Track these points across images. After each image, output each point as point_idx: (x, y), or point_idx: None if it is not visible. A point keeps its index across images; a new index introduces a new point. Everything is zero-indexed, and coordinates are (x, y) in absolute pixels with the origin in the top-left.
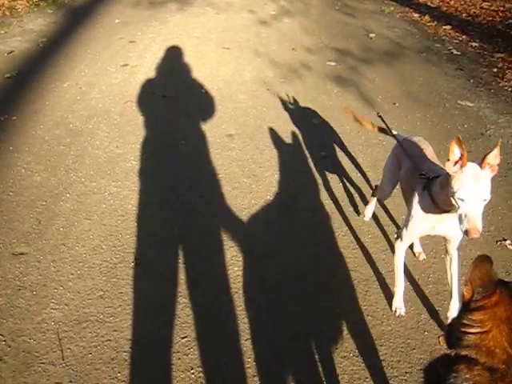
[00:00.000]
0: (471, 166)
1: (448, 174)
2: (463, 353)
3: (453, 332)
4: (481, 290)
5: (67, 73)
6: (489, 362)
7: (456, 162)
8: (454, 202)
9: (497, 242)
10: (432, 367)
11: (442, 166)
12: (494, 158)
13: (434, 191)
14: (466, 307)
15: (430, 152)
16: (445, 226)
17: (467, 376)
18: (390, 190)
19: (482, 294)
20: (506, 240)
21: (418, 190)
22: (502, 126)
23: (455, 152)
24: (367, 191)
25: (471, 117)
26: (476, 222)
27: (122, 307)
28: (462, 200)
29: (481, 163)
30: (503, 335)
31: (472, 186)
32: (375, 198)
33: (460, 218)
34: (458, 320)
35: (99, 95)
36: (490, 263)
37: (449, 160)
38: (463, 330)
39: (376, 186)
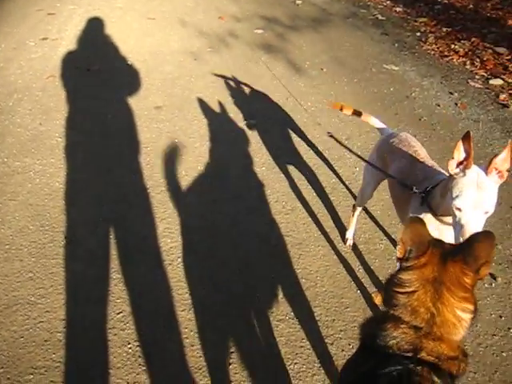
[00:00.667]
0: (475, 170)
1: (449, 176)
2: (391, 312)
3: (386, 291)
4: (412, 250)
5: None
6: (413, 321)
7: (460, 163)
8: (451, 209)
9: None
10: (367, 324)
11: (437, 166)
12: (502, 161)
13: (435, 203)
14: (401, 263)
15: (420, 150)
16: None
17: (394, 334)
18: (370, 193)
19: (413, 254)
20: None
21: (414, 205)
22: (425, 88)
23: (461, 151)
24: (297, 155)
25: (396, 80)
26: None
27: (53, 287)
28: (460, 210)
29: (486, 167)
30: (428, 295)
31: (473, 194)
32: (356, 213)
33: (455, 228)
34: (391, 279)
35: (18, 71)
36: (422, 224)
37: (453, 158)
38: (394, 289)
39: (354, 205)
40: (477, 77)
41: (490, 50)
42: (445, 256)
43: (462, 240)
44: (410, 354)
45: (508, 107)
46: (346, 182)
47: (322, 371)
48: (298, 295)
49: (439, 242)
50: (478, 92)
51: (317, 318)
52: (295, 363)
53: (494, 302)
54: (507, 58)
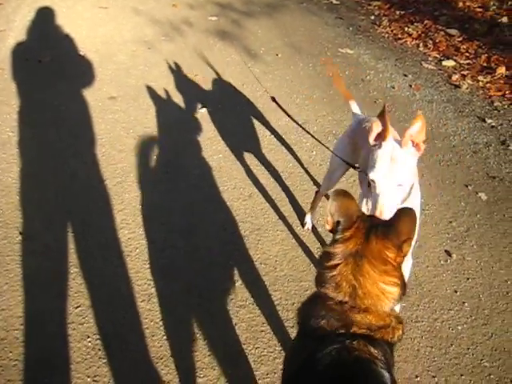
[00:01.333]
0: (391, 143)
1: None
2: (320, 290)
3: (318, 269)
4: (340, 222)
5: None
6: (337, 296)
7: (378, 136)
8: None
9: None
10: (302, 308)
11: None
12: (416, 133)
13: None
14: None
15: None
16: None
17: (323, 313)
18: (336, 179)
19: (340, 227)
20: None
21: (363, 188)
22: (380, 71)
23: (378, 124)
24: (254, 141)
25: (352, 63)
26: (383, 210)
27: (8, 285)
28: (373, 181)
29: (401, 140)
30: (349, 268)
31: (386, 165)
32: (318, 201)
33: (372, 200)
34: (321, 255)
35: None
36: (349, 198)
37: (372, 131)
38: (322, 264)
39: (317, 191)
40: (430, 58)
41: (442, 32)
42: (369, 230)
43: (374, 212)
44: (342, 331)
45: (460, 88)
46: (304, 166)
47: (283, 354)
48: (258, 280)
49: (369, 216)
50: (431, 73)
51: (276, 302)
52: (256, 347)
53: (450, 278)
54: (459, 39)
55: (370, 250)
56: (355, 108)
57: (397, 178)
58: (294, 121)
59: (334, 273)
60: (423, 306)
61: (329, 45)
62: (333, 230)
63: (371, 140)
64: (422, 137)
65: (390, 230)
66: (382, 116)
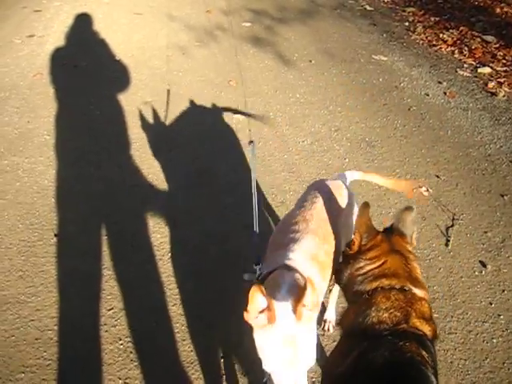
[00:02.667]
0: (281, 321)
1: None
2: (374, 285)
3: (348, 286)
4: (366, 234)
5: None
6: (398, 283)
7: (262, 312)
8: None
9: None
10: (346, 316)
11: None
12: (309, 300)
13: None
14: (357, 253)
15: (321, 207)
16: None
17: (386, 305)
18: None
19: (368, 237)
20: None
21: None
22: (414, 78)
23: (256, 301)
24: (286, 147)
25: (385, 70)
26: None
27: (43, 285)
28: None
29: (294, 311)
30: (397, 259)
31: (280, 353)
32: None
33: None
34: (351, 267)
35: (5, 69)
36: (369, 208)
37: (247, 311)
38: (363, 270)
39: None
40: (465, 65)
41: (479, 39)
42: (387, 234)
43: None
44: (402, 324)
45: (496, 95)
46: (336, 173)
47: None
48: None
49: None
50: (466, 81)
51: None
52: None
53: (484, 290)
54: (495, 46)
55: (400, 246)
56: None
57: (300, 362)
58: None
59: (386, 267)
60: (457, 318)
61: (362, 51)
62: (359, 244)
63: (251, 318)
64: (314, 298)
65: (401, 230)
66: (260, 293)
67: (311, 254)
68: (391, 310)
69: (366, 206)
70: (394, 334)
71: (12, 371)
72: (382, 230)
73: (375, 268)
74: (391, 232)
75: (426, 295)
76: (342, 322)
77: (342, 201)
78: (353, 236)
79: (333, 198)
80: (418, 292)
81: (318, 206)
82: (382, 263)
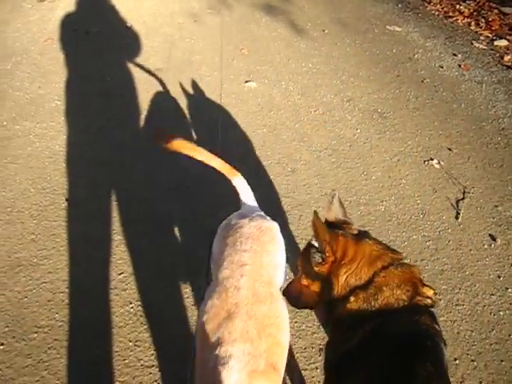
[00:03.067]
0: None
1: None
2: (371, 272)
3: (341, 289)
4: (332, 242)
5: None
6: (388, 260)
7: None
8: None
9: (424, 161)
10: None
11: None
12: None
13: None
14: (334, 266)
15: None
16: None
17: (395, 282)
18: None
19: (334, 244)
20: (432, 160)
21: None
22: (429, 49)
23: None
24: (298, 116)
25: (399, 41)
26: None
27: (55, 249)
28: None
29: None
30: (369, 244)
31: None
32: None
33: None
34: (338, 279)
35: (16, 34)
36: (319, 218)
37: None
38: (349, 272)
39: None
40: (481, 38)
41: (496, 10)
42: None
43: None
44: (416, 297)
45: None
46: (347, 144)
47: (321, 329)
48: (298, 256)
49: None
50: (482, 53)
51: None
52: (295, 322)
53: (493, 263)
54: None
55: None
56: (244, 191)
57: None
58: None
59: (367, 253)
60: (465, 290)
61: (376, 22)
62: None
63: None
64: None
65: (340, 219)
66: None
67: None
68: (402, 285)
69: (317, 217)
70: (408, 309)
71: (25, 331)
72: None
73: (360, 261)
74: (335, 226)
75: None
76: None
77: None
78: (323, 251)
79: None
80: (404, 261)
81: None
82: (364, 254)
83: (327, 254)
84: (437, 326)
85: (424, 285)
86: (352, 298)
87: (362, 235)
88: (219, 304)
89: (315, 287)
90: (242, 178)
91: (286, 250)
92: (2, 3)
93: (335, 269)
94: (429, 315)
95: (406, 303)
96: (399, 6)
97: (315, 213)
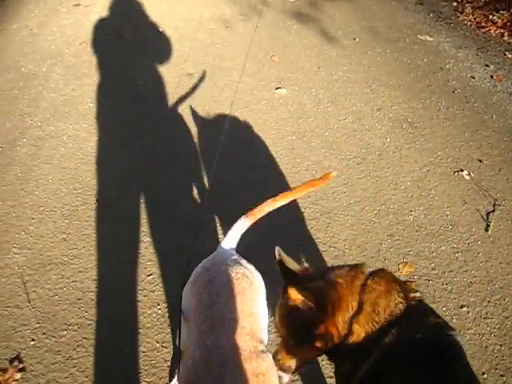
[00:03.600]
0: None
1: None
2: (357, 301)
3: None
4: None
5: (15, 14)
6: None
7: None
8: None
9: (454, 172)
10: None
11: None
12: None
13: None
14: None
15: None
16: None
17: (377, 298)
18: None
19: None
20: (463, 171)
21: None
22: (460, 59)
23: None
24: (328, 124)
25: (431, 51)
26: None
27: (85, 248)
28: None
29: None
30: (343, 290)
31: None
32: None
33: None
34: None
35: (51, 37)
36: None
37: None
38: (343, 317)
39: None
40: None
41: None
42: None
43: None
44: (407, 301)
45: None
46: (376, 153)
47: None
48: (326, 263)
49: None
50: None
51: None
52: None
53: None
54: None
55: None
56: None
57: None
58: None
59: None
60: (494, 303)
61: (408, 31)
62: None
63: None
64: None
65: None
66: None
67: None
68: (390, 290)
69: (288, 286)
70: (411, 310)
71: (55, 328)
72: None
73: (345, 295)
74: (297, 277)
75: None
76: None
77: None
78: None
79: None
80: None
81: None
82: (343, 289)
83: (319, 315)
84: (440, 318)
85: (403, 282)
86: (355, 326)
87: (323, 273)
88: (202, 367)
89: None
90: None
91: (315, 258)
92: (39, 7)
93: (330, 320)
94: (429, 309)
95: (405, 304)
96: (431, 15)
97: (290, 288)
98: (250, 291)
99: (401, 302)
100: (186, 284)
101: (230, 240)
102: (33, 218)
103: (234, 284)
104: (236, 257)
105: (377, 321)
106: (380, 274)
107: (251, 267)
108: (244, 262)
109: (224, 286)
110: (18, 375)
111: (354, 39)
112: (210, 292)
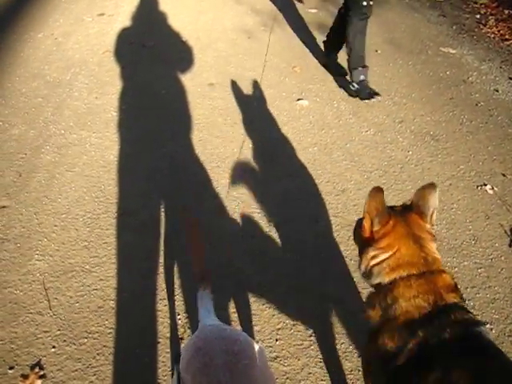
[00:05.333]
0: None
1: None
2: (392, 277)
3: (365, 268)
4: (377, 219)
5: (41, 23)
6: (416, 270)
7: None
8: None
9: (477, 187)
10: (379, 301)
11: None
12: None
13: None
14: (370, 240)
15: None
16: None
17: (411, 294)
18: None
19: (380, 223)
20: (486, 185)
21: None
22: (484, 72)
23: None
24: (349, 136)
25: (453, 64)
26: None
27: (107, 257)
28: None
29: None
30: (410, 245)
31: None
32: None
33: None
34: (366, 254)
35: (76, 45)
36: (382, 193)
37: None
38: (377, 260)
39: None
40: None
41: None
42: (403, 214)
43: None
44: (439, 302)
45: None
46: (398, 166)
47: None
48: (347, 277)
49: (390, 206)
50: None
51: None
52: (342, 343)
53: None
54: None
55: (417, 227)
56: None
57: None
58: None
59: (401, 256)
60: None
61: (430, 43)
62: (370, 230)
63: None
64: None
65: (421, 209)
66: None
67: None
68: (421, 296)
69: (378, 190)
70: (439, 313)
71: (76, 335)
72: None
73: (389, 257)
74: (409, 210)
75: (442, 267)
76: (370, 316)
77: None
78: (363, 220)
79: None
80: (436, 269)
81: None
82: (396, 251)
83: (363, 227)
84: (470, 314)
85: (453, 291)
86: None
87: (421, 233)
88: None
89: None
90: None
91: (335, 271)
92: (64, 16)
93: (367, 244)
94: (459, 308)
95: (431, 309)
96: (454, 27)
97: (378, 188)
98: (254, 368)
99: (434, 303)
100: (180, 363)
101: (206, 312)
102: (55, 225)
103: (236, 363)
104: (225, 327)
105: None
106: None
107: (244, 336)
108: (228, 329)
109: (224, 367)
110: (39, 382)
111: (376, 51)
112: (209, 376)
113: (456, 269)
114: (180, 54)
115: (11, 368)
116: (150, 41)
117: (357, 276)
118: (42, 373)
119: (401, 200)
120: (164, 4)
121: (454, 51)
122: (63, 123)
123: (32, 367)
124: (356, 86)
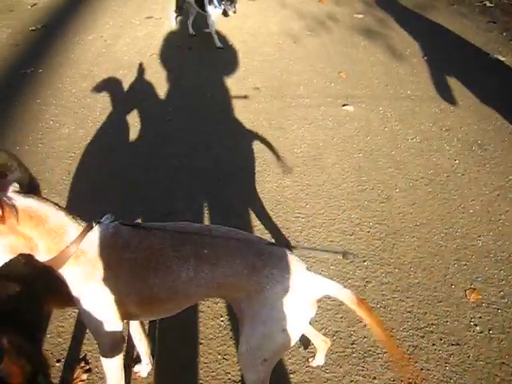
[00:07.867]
0: None
1: None
2: None
3: None
4: None
5: (91, 25)
6: None
7: None
8: None
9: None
10: None
11: None
12: None
13: None
14: None
15: None
16: None
17: None
18: None
19: None
20: None
21: None
22: None
23: None
24: (395, 143)
25: (502, 71)
26: None
27: None
28: None
29: None
30: None
31: None
32: None
33: None
34: None
35: (124, 48)
36: None
37: None
38: None
39: None
40: None
41: None
42: None
43: None
44: None
45: None
46: (444, 174)
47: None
48: (391, 284)
49: None
50: None
51: (408, 310)
52: (384, 352)
53: None
54: None
55: None
56: None
57: None
58: None
59: None
60: None
61: (479, 50)
62: None
63: None
64: None
65: None
66: None
67: None
68: None
69: None
70: None
71: None
72: None
73: None
74: None
75: None
76: None
77: None
78: None
79: None
80: None
81: None
82: None
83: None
84: None
85: None
86: None
87: None
88: None
89: None
90: None
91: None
92: (113, 19)
93: None
94: None
95: None
96: (504, 34)
97: None
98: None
99: None
100: None
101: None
102: None
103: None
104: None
105: None
106: None
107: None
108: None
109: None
110: (85, 376)
111: (424, 57)
112: None
113: (503, 281)
114: (226, 58)
115: (58, 361)
116: (196, 44)
117: (401, 285)
118: (87, 367)
119: (446, 209)
120: None
121: (503, 58)
122: (111, 124)
123: (78, 361)
124: None
